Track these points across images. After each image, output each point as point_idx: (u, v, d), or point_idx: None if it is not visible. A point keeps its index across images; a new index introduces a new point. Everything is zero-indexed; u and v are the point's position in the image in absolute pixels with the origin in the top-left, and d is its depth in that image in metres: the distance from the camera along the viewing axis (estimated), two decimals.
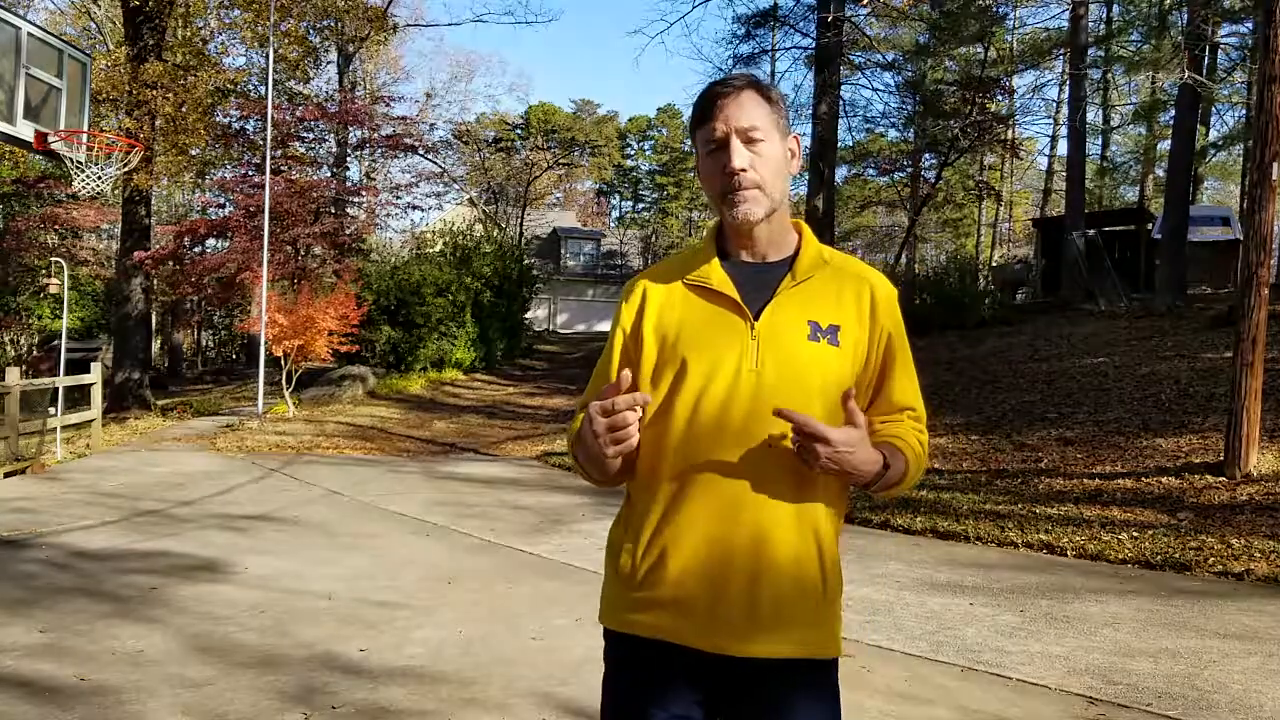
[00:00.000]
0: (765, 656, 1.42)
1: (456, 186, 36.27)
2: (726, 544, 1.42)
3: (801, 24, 21.15)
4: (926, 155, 23.30)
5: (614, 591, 1.54)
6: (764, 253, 1.55)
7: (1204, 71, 16.72)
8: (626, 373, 1.38)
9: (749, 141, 1.49)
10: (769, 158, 1.50)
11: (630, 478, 1.54)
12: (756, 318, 1.48)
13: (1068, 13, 18.58)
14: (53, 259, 20.38)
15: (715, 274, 1.53)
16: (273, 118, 17.18)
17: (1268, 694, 3.60)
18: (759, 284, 1.52)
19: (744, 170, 1.47)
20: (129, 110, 15.52)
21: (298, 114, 20.92)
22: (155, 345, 26.63)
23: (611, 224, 58.97)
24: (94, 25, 25.95)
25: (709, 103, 1.51)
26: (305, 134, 21.54)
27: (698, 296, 1.53)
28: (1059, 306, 17.10)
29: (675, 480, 1.46)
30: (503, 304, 22.01)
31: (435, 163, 31.73)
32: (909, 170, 24.43)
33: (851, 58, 21.55)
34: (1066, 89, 22.83)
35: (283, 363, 15.29)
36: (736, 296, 1.50)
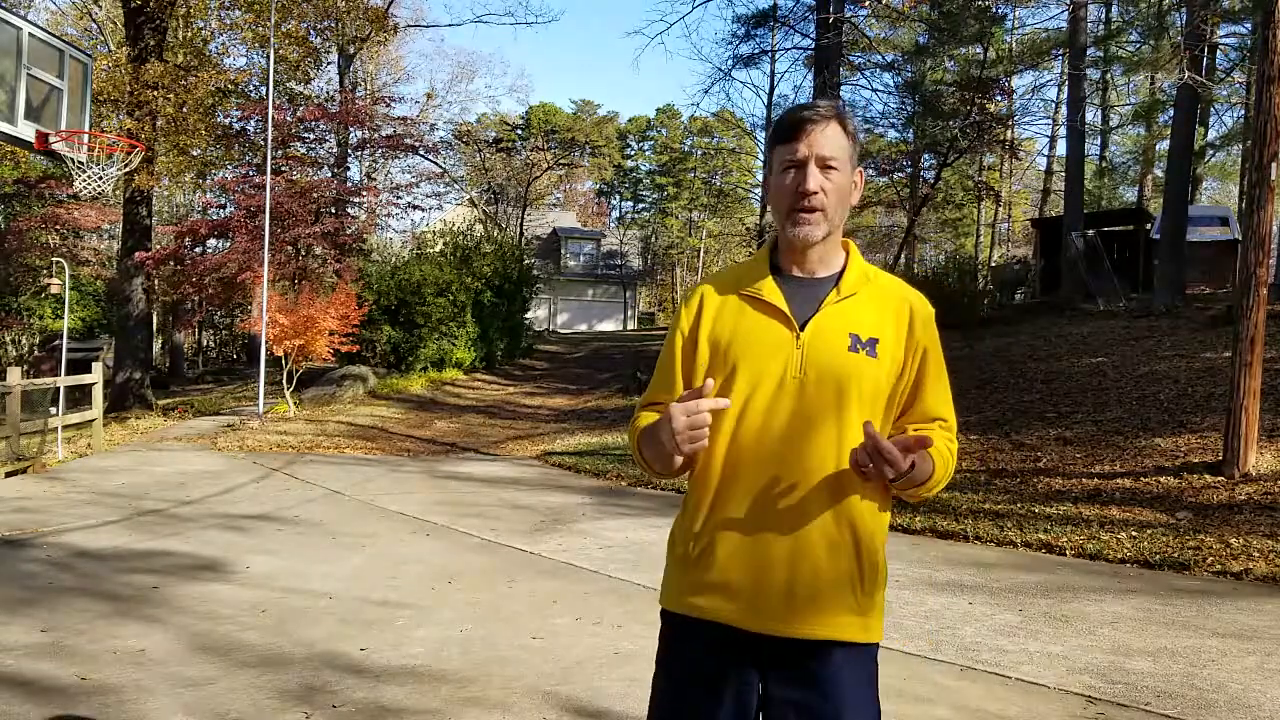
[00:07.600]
0: (804, 637, 1.55)
1: (457, 187, 36.26)
2: (767, 535, 1.56)
3: (801, 24, 21.18)
4: (926, 155, 23.28)
5: (672, 575, 1.68)
6: (814, 269, 1.67)
7: (1203, 72, 16.74)
8: (710, 381, 1.50)
9: (825, 168, 1.60)
10: (838, 186, 1.62)
11: (691, 471, 1.66)
12: (802, 328, 1.60)
13: (1067, 13, 18.59)
14: (54, 259, 20.38)
15: (767, 287, 1.65)
16: (273, 118, 17.18)
17: (1266, 693, 3.61)
18: (807, 298, 1.64)
19: (815, 193, 1.59)
20: (130, 111, 15.51)
21: (298, 114, 20.90)
22: (156, 345, 26.62)
23: (611, 224, 58.93)
24: (95, 26, 25.96)
25: (796, 125, 1.61)
26: (306, 134, 21.51)
27: (750, 307, 1.65)
28: (1058, 306, 17.11)
29: (724, 476, 1.59)
30: (503, 304, 22.03)
31: (436, 163, 31.74)
32: (908, 170, 24.41)
33: (851, 58, 21.57)
34: (1066, 89, 22.84)
35: (284, 362, 15.31)
36: (785, 308, 1.62)
